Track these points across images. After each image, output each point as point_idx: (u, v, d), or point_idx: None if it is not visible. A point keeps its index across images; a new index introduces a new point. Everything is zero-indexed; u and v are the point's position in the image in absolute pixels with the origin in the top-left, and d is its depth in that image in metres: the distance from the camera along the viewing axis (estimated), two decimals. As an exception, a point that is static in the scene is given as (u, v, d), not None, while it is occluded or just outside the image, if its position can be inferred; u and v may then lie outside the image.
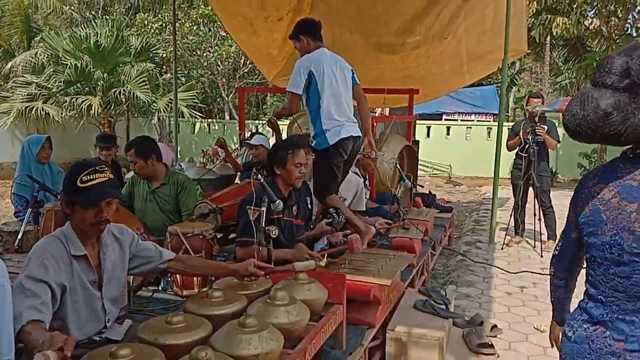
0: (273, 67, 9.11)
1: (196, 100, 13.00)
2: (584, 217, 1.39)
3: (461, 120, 18.60)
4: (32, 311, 1.80)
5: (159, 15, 13.52)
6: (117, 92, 12.02)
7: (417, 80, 8.93)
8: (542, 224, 6.32)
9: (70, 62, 11.81)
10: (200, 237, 3.08)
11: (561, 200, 9.90)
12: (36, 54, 12.64)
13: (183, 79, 13.78)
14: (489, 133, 15.16)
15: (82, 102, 11.82)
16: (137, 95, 12.13)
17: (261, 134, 5.62)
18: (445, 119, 18.70)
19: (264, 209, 2.65)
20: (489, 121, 17.59)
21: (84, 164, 2.03)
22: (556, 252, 1.64)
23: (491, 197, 6.67)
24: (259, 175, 2.93)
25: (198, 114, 13.40)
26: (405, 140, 6.25)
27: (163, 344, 1.73)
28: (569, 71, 19.10)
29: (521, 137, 6.17)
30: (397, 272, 3.03)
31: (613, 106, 1.25)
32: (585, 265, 1.51)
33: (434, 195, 6.74)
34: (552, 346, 1.81)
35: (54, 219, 3.39)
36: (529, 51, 18.26)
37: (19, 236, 3.48)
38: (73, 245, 2.02)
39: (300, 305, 2.07)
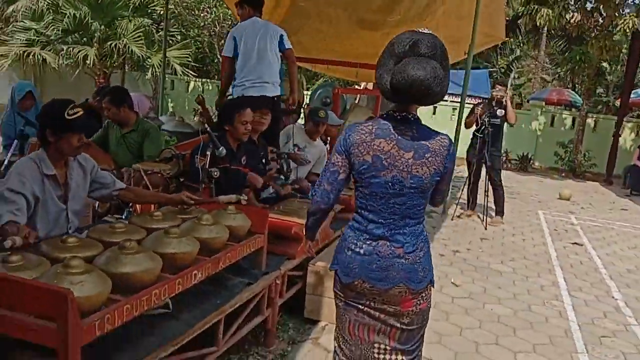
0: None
1: (189, 59, 13.36)
2: (366, 164, 1.84)
3: (451, 101, 18.96)
4: (10, 215, 2.33)
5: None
6: (113, 45, 12.38)
7: (399, 58, 9.38)
8: (492, 200, 6.90)
9: (70, 12, 12.12)
10: (159, 175, 3.64)
11: (511, 182, 10.49)
12: (37, 0, 12.93)
13: (179, 37, 14.10)
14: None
15: (79, 52, 12.19)
16: (132, 50, 12.51)
17: None
18: (451, 101, 19.03)
19: (209, 153, 3.18)
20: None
21: (62, 101, 2.53)
22: (322, 190, 1.97)
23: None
24: (207, 127, 3.45)
25: (191, 72, 13.78)
26: (371, 112, 6.72)
27: (105, 240, 2.27)
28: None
29: (477, 115, 6.68)
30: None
31: (439, 74, 1.69)
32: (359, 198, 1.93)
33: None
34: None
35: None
36: (526, 40, 18.65)
37: (5, 164, 4.00)
38: (45, 166, 2.54)
39: (222, 227, 2.62)
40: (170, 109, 15.64)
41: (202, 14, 15.06)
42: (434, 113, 16.39)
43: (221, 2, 14.88)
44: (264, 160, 4.17)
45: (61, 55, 12.42)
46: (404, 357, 1.99)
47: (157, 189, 3.57)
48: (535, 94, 20.52)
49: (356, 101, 8.14)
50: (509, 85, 22.66)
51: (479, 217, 7.10)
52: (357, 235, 1.93)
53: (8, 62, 12.03)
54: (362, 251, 1.91)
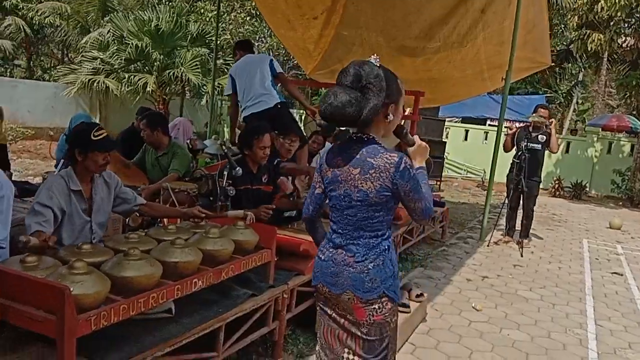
0: (310, 61, 9.80)
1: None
2: (328, 179, 2.05)
3: (505, 126, 18.66)
4: (37, 225, 2.63)
5: (215, 5, 14.53)
6: (172, 73, 13.12)
7: (441, 83, 9.47)
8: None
9: (132, 42, 13.01)
10: (185, 193, 3.92)
11: (560, 210, 10.17)
12: (106, 32, 13.93)
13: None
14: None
15: (139, 79, 13.01)
16: (189, 78, 13.21)
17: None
18: (489, 124, 18.79)
19: (226, 173, 3.42)
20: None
21: (89, 124, 2.87)
22: (306, 203, 2.24)
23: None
24: (225, 150, 3.76)
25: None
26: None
27: (117, 248, 2.51)
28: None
29: (510, 138, 6.68)
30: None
31: (349, 100, 1.86)
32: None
33: (429, 190, 7.29)
34: None
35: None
36: (586, 65, 18.17)
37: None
38: (72, 182, 2.84)
39: (228, 240, 2.81)
40: (226, 134, 16.27)
41: (256, 44, 15.65)
42: (465, 138, 16.27)
43: (274, 33, 15.51)
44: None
45: (123, 82, 13.27)
46: None
47: (183, 206, 3.83)
48: (593, 119, 19.87)
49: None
50: (570, 111, 21.99)
51: (518, 243, 6.99)
52: (325, 243, 2.12)
53: (75, 90, 12.98)
54: (323, 257, 2.08)
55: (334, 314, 2.09)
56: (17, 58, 20.66)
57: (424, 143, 2.19)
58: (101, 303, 2.05)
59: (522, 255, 6.52)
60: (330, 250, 2.06)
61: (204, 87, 13.70)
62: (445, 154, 14.17)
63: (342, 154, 2.02)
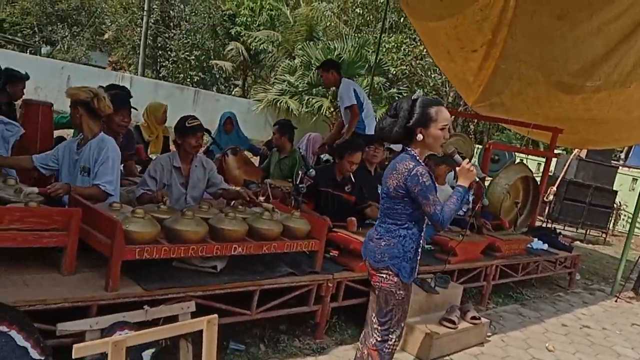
0: (470, 93, 9.94)
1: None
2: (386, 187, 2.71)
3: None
4: (142, 191, 3.51)
5: (393, 37, 15.34)
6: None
7: (603, 125, 8.86)
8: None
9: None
10: (279, 189, 4.59)
11: None
12: (294, 58, 15.69)
13: (404, 95, 15.38)
14: None
15: (316, 102, 14.35)
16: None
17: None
18: None
19: (300, 173, 4.00)
20: None
21: (186, 116, 3.67)
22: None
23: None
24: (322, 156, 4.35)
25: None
26: (524, 171, 6.63)
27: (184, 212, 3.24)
28: None
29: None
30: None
31: (386, 124, 2.60)
32: None
33: (559, 233, 6.94)
34: None
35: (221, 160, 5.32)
36: None
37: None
38: (175, 160, 3.68)
39: (277, 223, 3.36)
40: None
41: (433, 75, 16.07)
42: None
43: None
44: (373, 190, 4.82)
45: (303, 104, 14.75)
46: (376, 320, 2.77)
47: (277, 199, 4.50)
48: None
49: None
50: None
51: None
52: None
53: (261, 107, 14.83)
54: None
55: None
56: (236, 78, 23.98)
57: (468, 166, 2.68)
58: (149, 241, 2.76)
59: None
60: (371, 229, 2.79)
61: (375, 112, 14.51)
62: (623, 205, 12.86)
63: (392, 161, 2.71)
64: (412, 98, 2.63)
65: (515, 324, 4.79)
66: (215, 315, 2.60)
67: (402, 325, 2.81)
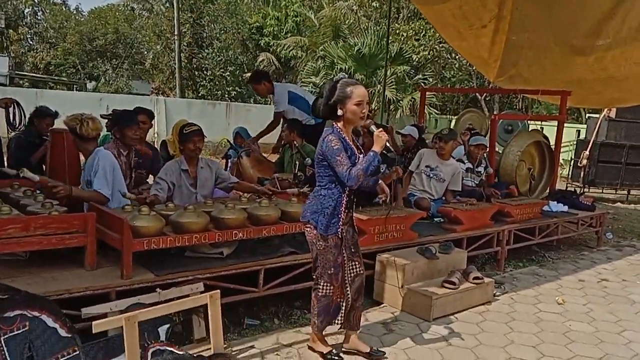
0: (489, 69, 10.01)
1: (434, 99, 14.58)
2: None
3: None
4: (155, 191, 3.94)
5: (411, 24, 15.43)
6: (370, 91, 14.45)
7: (623, 82, 8.73)
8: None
9: (338, 67, 14.76)
10: (287, 181, 4.94)
11: None
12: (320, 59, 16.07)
13: (430, 80, 15.46)
14: None
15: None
16: (385, 94, 14.38)
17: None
18: None
19: (298, 162, 4.34)
20: None
21: (186, 124, 4.08)
22: None
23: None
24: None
25: (434, 111, 14.95)
26: (536, 136, 6.69)
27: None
28: None
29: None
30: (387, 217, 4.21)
31: (316, 103, 3.07)
32: None
33: (580, 193, 6.97)
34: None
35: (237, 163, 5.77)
36: None
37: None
38: (183, 164, 4.09)
39: (275, 209, 3.72)
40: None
41: (457, 56, 16.05)
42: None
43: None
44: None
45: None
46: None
47: (285, 189, 4.86)
48: None
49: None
50: None
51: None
52: None
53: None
54: None
55: None
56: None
57: (378, 133, 3.02)
58: (155, 234, 3.18)
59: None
60: None
61: (400, 102, 14.68)
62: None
63: None
64: (335, 80, 3.05)
65: (529, 283, 4.94)
66: (218, 291, 3.02)
67: (330, 272, 3.09)
